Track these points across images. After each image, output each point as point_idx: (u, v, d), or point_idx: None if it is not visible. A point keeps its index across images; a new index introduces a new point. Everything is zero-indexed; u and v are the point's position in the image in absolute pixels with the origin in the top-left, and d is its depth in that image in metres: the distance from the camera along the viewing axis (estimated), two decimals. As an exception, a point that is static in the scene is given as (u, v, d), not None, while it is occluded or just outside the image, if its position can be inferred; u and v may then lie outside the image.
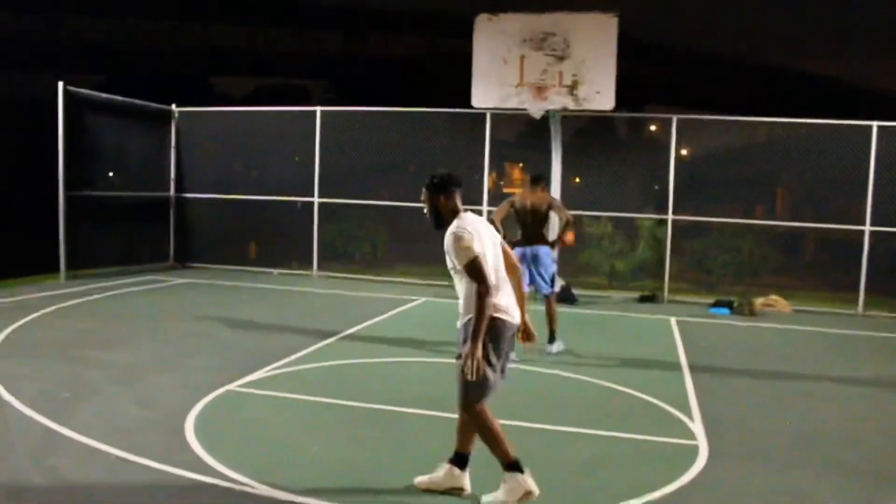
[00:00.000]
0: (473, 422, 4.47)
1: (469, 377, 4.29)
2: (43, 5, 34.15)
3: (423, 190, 4.67)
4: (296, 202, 14.51)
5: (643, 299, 13.01)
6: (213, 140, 15.14)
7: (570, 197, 14.38)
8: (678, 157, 13.55)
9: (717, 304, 12.30)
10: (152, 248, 14.85)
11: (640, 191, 15.41)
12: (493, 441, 4.43)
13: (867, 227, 12.38)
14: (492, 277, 4.34)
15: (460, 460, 4.56)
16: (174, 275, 13.86)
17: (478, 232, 4.42)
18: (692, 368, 8.04)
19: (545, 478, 4.88)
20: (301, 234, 14.48)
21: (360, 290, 12.87)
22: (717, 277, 14.52)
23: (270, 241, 15.06)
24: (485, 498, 4.39)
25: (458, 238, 4.35)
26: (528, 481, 4.33)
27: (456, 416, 6.07)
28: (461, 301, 4.49)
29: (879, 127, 12.35)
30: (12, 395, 6.17)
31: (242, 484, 4.54)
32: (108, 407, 6.06)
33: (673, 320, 11.10)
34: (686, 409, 6.45)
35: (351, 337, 9.08)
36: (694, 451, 5.43)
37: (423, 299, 12.16)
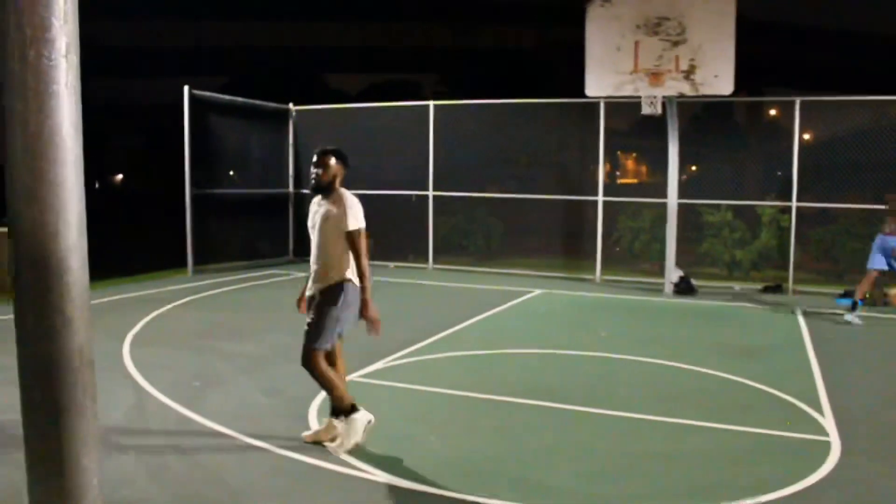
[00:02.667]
0: (313, 371, 4.92)
1: (377, 336, 5.03)
2: (166, 10, 35.71)
3: (331, 156, 5.07)
4: (411, 196, 14.70)
5: (766, 290, 12.58)
6: (329, 137, 15.43)
7: (688, 185, 14.07)
8: (801, 141, 13.03)
9: (845, 295, 11.75)
10: (273, 243, 15.35)
11: (760, 177, 14.89)
12: (332, 385, 4.96)
13: None
14: None
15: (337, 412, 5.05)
16: (294, 268, 14.27)
17: None
18: (821, 362, 7.71)
19: (666, 471, 4.82)
20: (416, 228, 14.68)
21: (475, 283, 12.93)
22: (844, 267, 13.87)
23: (386, 234, 15.31)
24: (335, 446, 4.97)
25: (359, 206, 4.99)
26: (364, 414, 5.00)
27: (575, 407, 6.08)
28: (319, 260, 5.05)
29: None
30: (149, 382, 6.50)
31: (362, 471, 4.65)
32: (236, 394, 6.32)
33: (799, 311, 10.69)
34: (815, 404, 6.19)
35: (468, 329, 9.14)
36: (825, 447, 5.21)
37: (538, 291, 12.12)
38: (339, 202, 4.98)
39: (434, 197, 14.40)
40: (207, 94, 13.85)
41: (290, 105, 15.61)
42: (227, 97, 14.73)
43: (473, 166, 14.89)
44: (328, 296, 4.97)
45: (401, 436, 5.38)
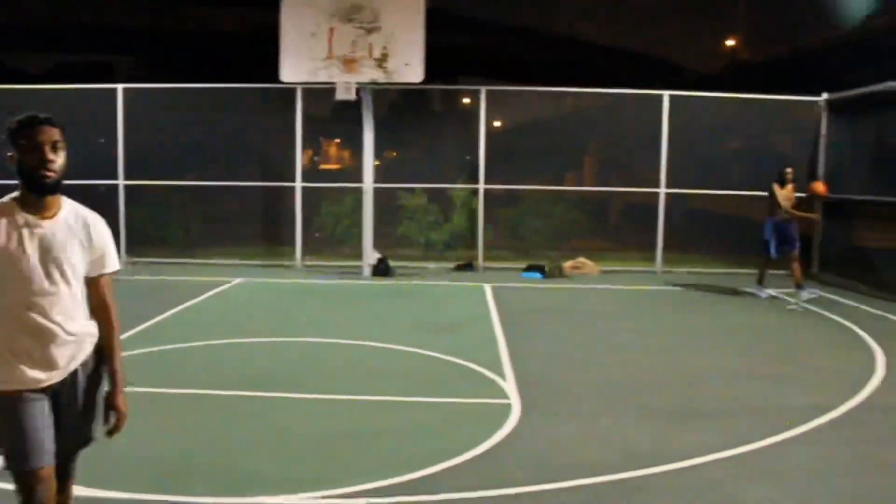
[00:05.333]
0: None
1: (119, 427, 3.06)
2: None
3: (58, 130, 2.83)
4: (99, 186, 13.68)
5: (459, 268, 13.31)
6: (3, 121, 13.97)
7: (386, 170, 14.48)
8: (490, 128, 13.87)
9: (529, 269, 12.76)
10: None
11: (453, 162, 15.68)
12: None
13: (662, 190, 13.22)
14: None
15: None
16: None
17: None
18: (506, 332, 8.33)
19: (365, 448, 4.95)
20: (107, 221, 13.65)
21: (174, 275, 12.37)
22: (530, 244, 15.01)
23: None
24: None
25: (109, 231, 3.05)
26: None
27: (276, 394, 6.05)
28: (71, 315, 2.86)
29: (670, 96, 13.16)
30: None
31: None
32: None
33: (487, 287, 11.42)
34: (499, 371, 6.68)
35: (163, 323, 8.72)
36: (507, 409, 5.63)
37: (240, 280, 11.87)
38: (79, 217, 2.94)
39: (125, 186, 13.52)
40: None
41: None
42: None
43: (170, 154, 14.18)
44: (97, 373, 3.03)
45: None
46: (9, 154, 2.81)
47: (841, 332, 8.82)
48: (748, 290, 11.21)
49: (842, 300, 10.56)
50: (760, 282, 11.03)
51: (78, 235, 2.87)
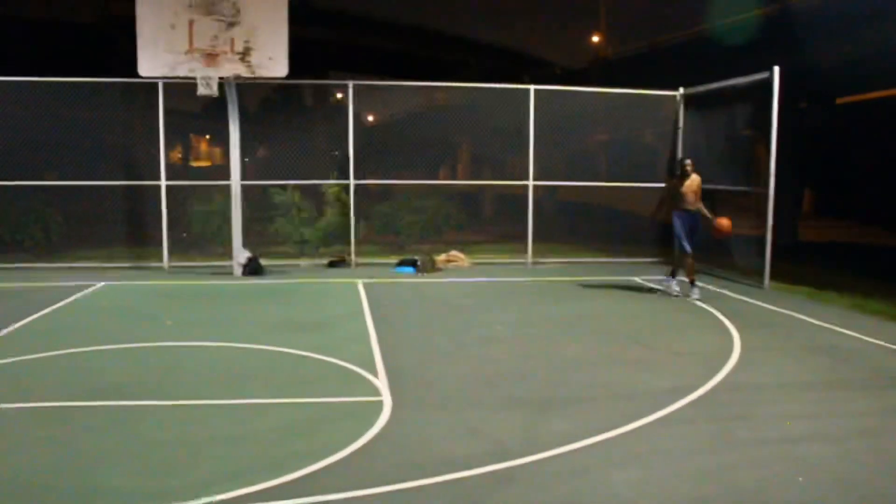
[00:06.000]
0: None
1: None
2: None
3: None
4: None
5: (332, 265, 13.22)
6: None
7: (256, 167, 14.21)
8: (363, 123, 13.83)
9: (401, 264, 12.80)
10: None
11: (325, 158, 15.54)
12: None
13: (531, 182, 13.50)
14: None
15: None
16: None
17: None
18: (377, 328, 8.34)
19: (232, 453, 4.84)
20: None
21: (32, 281, 11.72)
22: (404, 238, 15.09)
23: None
24: None
25: None
26: None
27: (139, 402, 5.83)
28: None
29: (536, 90, 13.44)
30: None
31: None
32: None
33: (360, 283, 11.39)
34: (371, 367, 6.67)
35: (18, 332, 8.25)
36: (379, 405, 5.64)
37: (102, 284, 11.38)
38: None
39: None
40: None
41: None
42: None
43: (21, 152, 13.41)
44: None
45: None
46: None
47: (700, 316, 9.24)
48: (654, 285, 11.21)
49: (701, 285, 11.06)
50: (673, 275, 10.77)
51: None
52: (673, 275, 10.77)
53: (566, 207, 15.23)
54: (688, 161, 10.45)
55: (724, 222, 10.15)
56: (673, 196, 10.46)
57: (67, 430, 5.27)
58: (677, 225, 10.32)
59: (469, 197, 17.16)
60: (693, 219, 10.30)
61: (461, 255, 13.45)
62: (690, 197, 10.26)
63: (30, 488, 4.33)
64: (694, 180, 10.31)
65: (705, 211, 10.33)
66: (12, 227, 13.79)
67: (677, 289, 10.62)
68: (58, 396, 5.92)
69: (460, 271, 12.79)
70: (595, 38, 33.48)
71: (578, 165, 14.82)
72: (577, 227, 15.10)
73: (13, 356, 7.09)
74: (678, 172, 10.59)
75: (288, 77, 11.77)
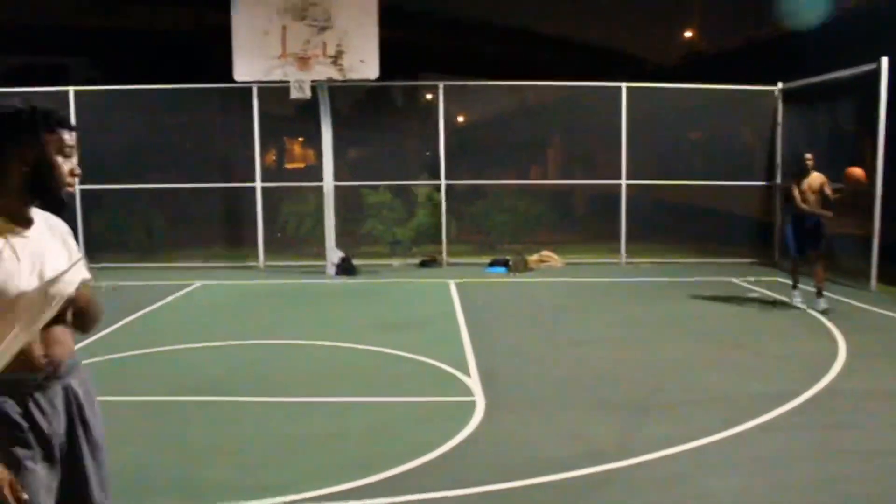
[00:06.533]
0: None
1: None
2: None
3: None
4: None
5: (423, 264, 13.27)
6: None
7: (348, 168, 14.40)
8: (453, 123, 13.86)
9: (493, 264, 12.76)
10: None
11: (416, 158, 15.65)
12: None
13: (623, 181, 13.28)
14: None
15: None
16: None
17: None
18: (469, 327, 8.31)
19: (328, 450, 4.90)
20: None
21: (136, 279, 12.16)
22: (495, 238, 15.05)
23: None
24: None
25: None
26: None
27: (229, 399, 5.95)
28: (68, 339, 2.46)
29: (628, 88, 13.22)
30: None
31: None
32: None
33: (452, 283, 11.39)
34: (464, 367, 6.65)
35: (125, 329, 8.57)
36: (471, 406, 5.61)
37: (202, 283, 11.72)
38: (50, 224, 2.42)
39: (82, 191, 13.26)
40: None
41: None
42: None
43: (127, 156, 13.95)
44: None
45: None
46: (17, 150, 2.27)
47: (803, 319, 8.91)
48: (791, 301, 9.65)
49: (806, 287, 10.66)
50: (795, 286, 9.56)
51: (57, 242, 2.41)
52: (795, 286, 9.59)
53: (660, 206, 14.91)
54: (808, 155, 9.18)
55: (858, 170, 8.81)
56: (787, 197, 9.46)
57: (168, 424, 5.44)
58: (789, 231, 9.34)
59: (560, 196, 16.99)
60: (812, 223, 9.09)
61: (553, 255, 13.32)
62: (811, 198, 9.04)
63: (132, 481, 4.46)
64: (815, 179, 9.06)
65: (824, 212, 9.03)
66: (118, 229, 14.35)
67: (800, 299, 9.45)
68: (159, 392, 6.11)
69: (553, 271, 12.67)
70: (688, 34, 32.74)
71: (672, 163, 14.50)
72: (671, 226, 14.76)
73: (118, 352, 7.36)
74: (794, 169, 9.47)
75: (379, 79, 11.89)
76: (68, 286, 2.34)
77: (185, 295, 10.84)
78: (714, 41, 29.08)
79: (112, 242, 14.16)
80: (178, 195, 14.37)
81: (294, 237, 14.50)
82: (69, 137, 2.34)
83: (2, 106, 2.31)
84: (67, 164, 2.33)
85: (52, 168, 2.30)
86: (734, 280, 11.48)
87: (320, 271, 12.55)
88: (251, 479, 4.47)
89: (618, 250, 13.50)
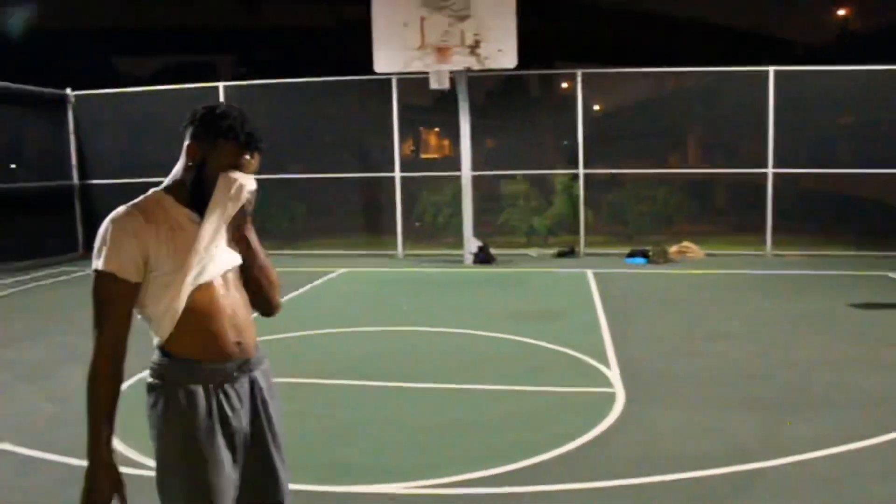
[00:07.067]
0: None
1: None
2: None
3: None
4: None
5: (560, 254, 13.18)
6: (114, 123, 14.66)
7: (486, 157, 14.47)
8: (589, 112, 13.69)
9: (632, 255, 12.54)
10: (60, 238, 14.34)
11: (552, 147, 15.55)
12: None
13: (770, 170, 12.75)
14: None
15: None
16: (84, 265, 13.44)
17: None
18: (608, 318, 8.20)
19: (466, 437, 4.96)
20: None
21: (278, 266, 12.54)
22: (633, 228, 14.78)
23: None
24: None
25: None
26: None
27: (379, 383, 6.09)
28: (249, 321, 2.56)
29: (776, 71, 12.67)
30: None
31: (150, 469, 4.44)
32: (16, 405, 5.87)
33: (590, 273, 11.27)
34: (603, 358, 6.57)
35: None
36: (611, 398, 5.54)
37: (342, 270, 12.08)
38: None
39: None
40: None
41: (68, 90, 14.60)
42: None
43: (271, 148, 14.47)
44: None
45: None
46: (191, 144, 2.29)
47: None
48: None
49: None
50: None
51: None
52: None
53: (809, 196, 14.23)
54: None
55: None
56: None
57: (312, 405, 5.62)
58: None
59: (700, 185, 16.47)
60: None
61: (694, 246, 12.96)
62: None
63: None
64: None
65: None
66: (262, 217, 14.92)
67: None
68: (304, 374, 6.32)
69: (694, 263, 12.33)
70: (841, 12, 31.04)
71: (823, 151, 13.80)
72: (821, 217, 14.05)
73: (264, 335, 7.64)
74: None
75: (516, 68, 11.88)
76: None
77: (328, 282, 11.19)
78: (870, 19, 27.43)
79: (256, 230, 14.72)
80: (319, 185, 14.84)
81: (431, 226, 14.71)
82: (244, 159, 2.31)
83: (207, 105, 2.35)
84: (236, 179, 2.28)
85: (211, 173, 2.28)
86: (891, 275, 10.83)
87: (458, 260, 12.68)
88: (390, 462, 4.58)
89: (762, 241, 12.99)
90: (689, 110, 15.86)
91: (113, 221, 2.23)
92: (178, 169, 2.33)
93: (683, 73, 15.27)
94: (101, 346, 2.22)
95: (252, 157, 2.35)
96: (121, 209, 2.26)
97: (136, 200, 2.29)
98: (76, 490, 4.07)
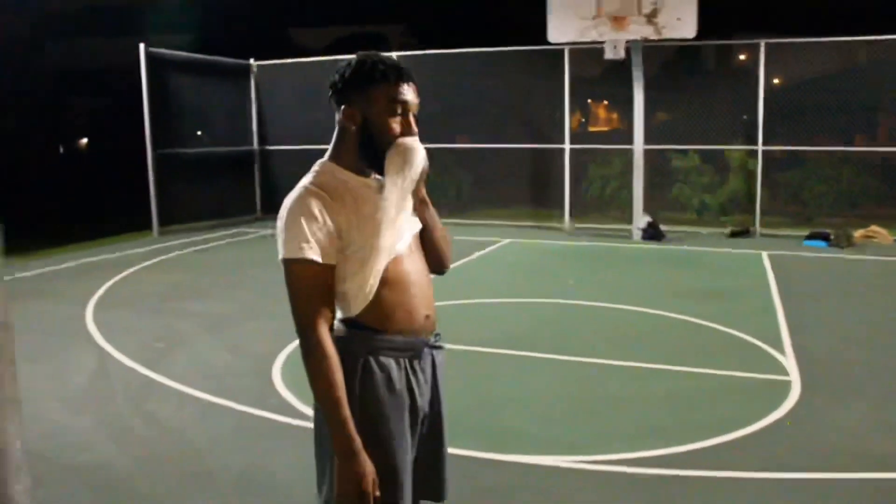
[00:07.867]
0: None
1: None
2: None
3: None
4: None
5: (734, 234, 12.61)
6: (292, 92, 15.25)
7: (657, 131, 14.03)
8: (769, 85, 13.00)
9: (812, 237, 11.84)
10: (240, 201, 15.15)
11: (728, 122, 14.88)
12: None
13: (977, 150, 11.68)
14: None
15: None
16: (260, 226, 14.13)
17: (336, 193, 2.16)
18: (785, 303, 7.76)
19: (626, 413, 4.86)
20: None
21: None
22: (813, 209, 13.95)
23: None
24: None
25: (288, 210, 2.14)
26: None
27: (540, 355, 6.07)
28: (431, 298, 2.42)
29: None
30: (113, 346, 6.42)
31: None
32: (200, 354, 6.27)
33: (765, 254, 10.73)
34: (778, 345, 6.24)
35: (434, 281, 9.04)
36: (786, 386, 5.26)
37: (508, 241, 12.10)
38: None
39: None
40: (165, 51, 13.50)
41: (252, 60, 15.33)
42: (184, 54, 14.38)
43: (440, 118, 14.68)
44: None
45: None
46: (346, 109, 2.20)
47: None
48: None
49: None
50: None
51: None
52: None
53: None
54: None
55: None
56: None
57: (473, 373, 5.65)
58: None
59: (891, 166, 15.32)
60: None
61: (882, 231, 12.07)
62: None
63: (455, 423, 4.71)
64: None
65: None
66: (430, 187, 15.13)
67: None
68: (467, 341, 6.33)
69: (881, 248, 11.49)
70: None
71: None
72: None
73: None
74: None
75: (693, 39, 11.41)
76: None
77: (493, 251, 11.24)
78: None
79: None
80: (486, 155, 14.89)
81: (599, 199, 14.47)
82: (400, 91, 2.18)
83: (338, 69, 2.22)
84: (395, 122, 2.18)
85: (376, 128, 2.17)
86: None
87: (625, 235, 12.42)
88: (548, 434, 4.56)
89: (964, 227, 11.95)
90: (881, 83, 14.74)
91: (299, 204, 2.09)
92: (338, 137, 2.24)
93: (876, 42, 14.19)
94: (318, 343, 2.06)
95: (409, 85, 2.21)
96: (300, 190, 2.13)
97: (310, 177, 2.17)
98: (253, 435, 4.26)
